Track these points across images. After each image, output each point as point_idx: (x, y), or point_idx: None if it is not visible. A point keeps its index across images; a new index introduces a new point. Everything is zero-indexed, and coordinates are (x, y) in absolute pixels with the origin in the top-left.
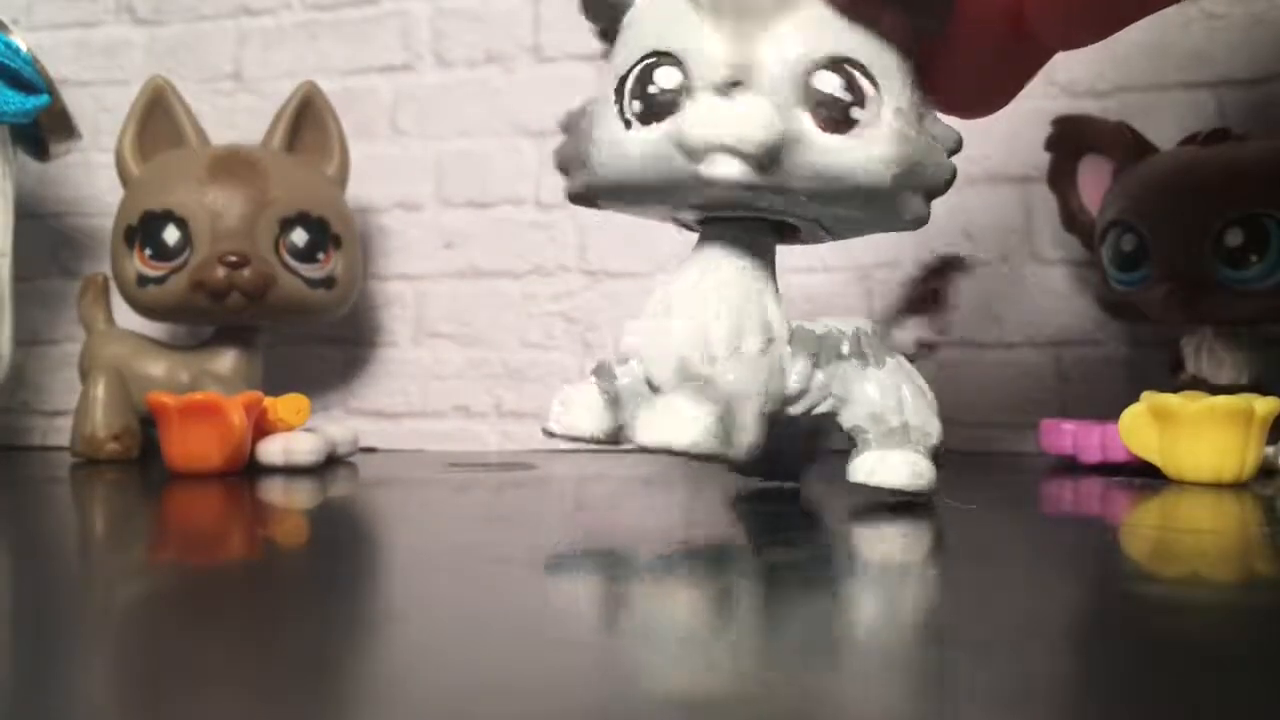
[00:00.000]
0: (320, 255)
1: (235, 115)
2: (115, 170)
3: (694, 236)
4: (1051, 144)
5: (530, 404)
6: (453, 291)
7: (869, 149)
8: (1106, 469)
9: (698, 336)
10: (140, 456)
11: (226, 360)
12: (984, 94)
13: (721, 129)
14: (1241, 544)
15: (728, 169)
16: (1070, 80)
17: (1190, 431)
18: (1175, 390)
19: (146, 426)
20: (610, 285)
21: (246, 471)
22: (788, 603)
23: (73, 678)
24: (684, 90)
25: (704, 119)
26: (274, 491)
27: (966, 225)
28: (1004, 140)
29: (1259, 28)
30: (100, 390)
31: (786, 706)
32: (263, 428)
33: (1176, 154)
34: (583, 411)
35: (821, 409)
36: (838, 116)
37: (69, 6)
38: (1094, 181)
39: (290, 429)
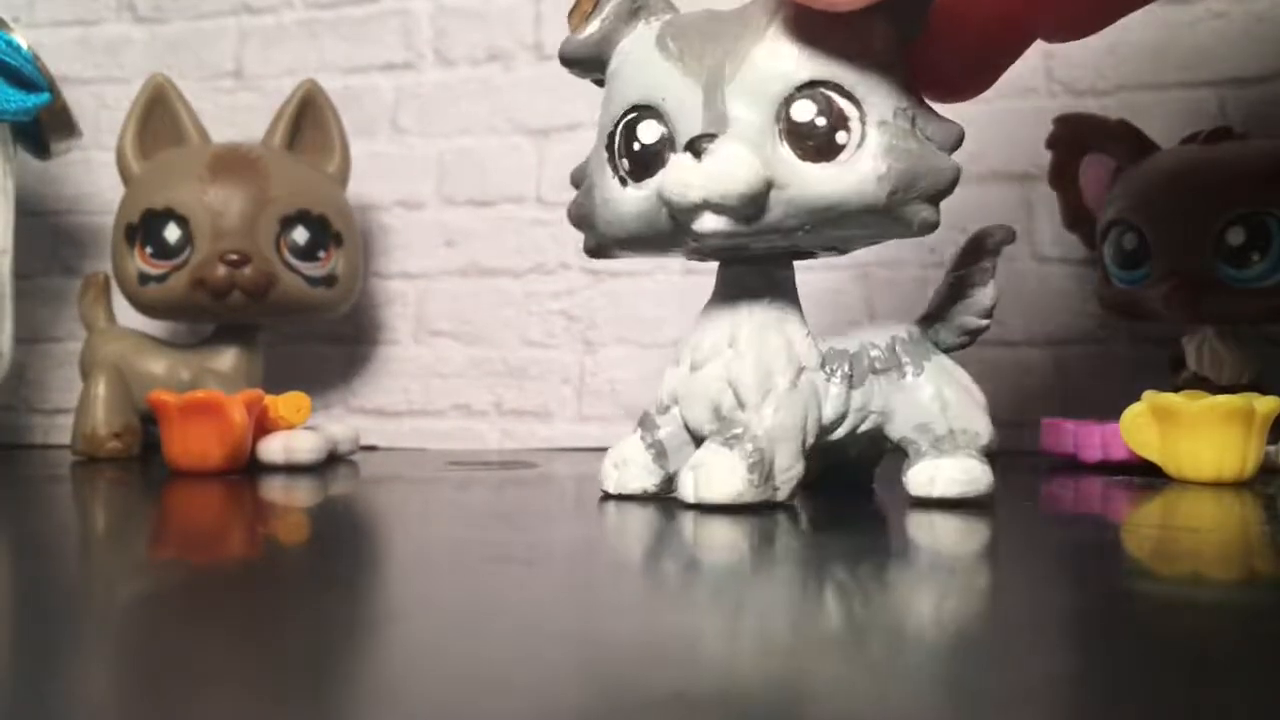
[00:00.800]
0: (321, 253)
1: (236, 113)
2: (116, 168)
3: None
4: (1053, 142)
5: (531, 402)
6: (454, 289)
7: (858, 171)
8: (1107, 468)
9: (726, 382)
10: (141, 454)
11: (227, 358)
12: (969, 79)
13: (697, 189)
14: (1242, 543)
15: (714, 224)
16: (1072, 78)
17: (1191, 430)
18: (1176, 389)
19: (147, 424)
20: (611, 284)
21: (247, 470)
22: (785, 599)
23: (73, 676)
24: (666, 143)
25: (680, 179)
26: (275, 490)
27: (967, 223)
28: (1005, 138)
29: (1260, 26)
30: (101, 388)
31: (782, 703)
32: (264, 426)
33: (1178, 152)
34: (634, 469)
35: (865, 427)
36: (820, 145)
37: (70, 4)
38: (1095, 180)
39: (291, 427)
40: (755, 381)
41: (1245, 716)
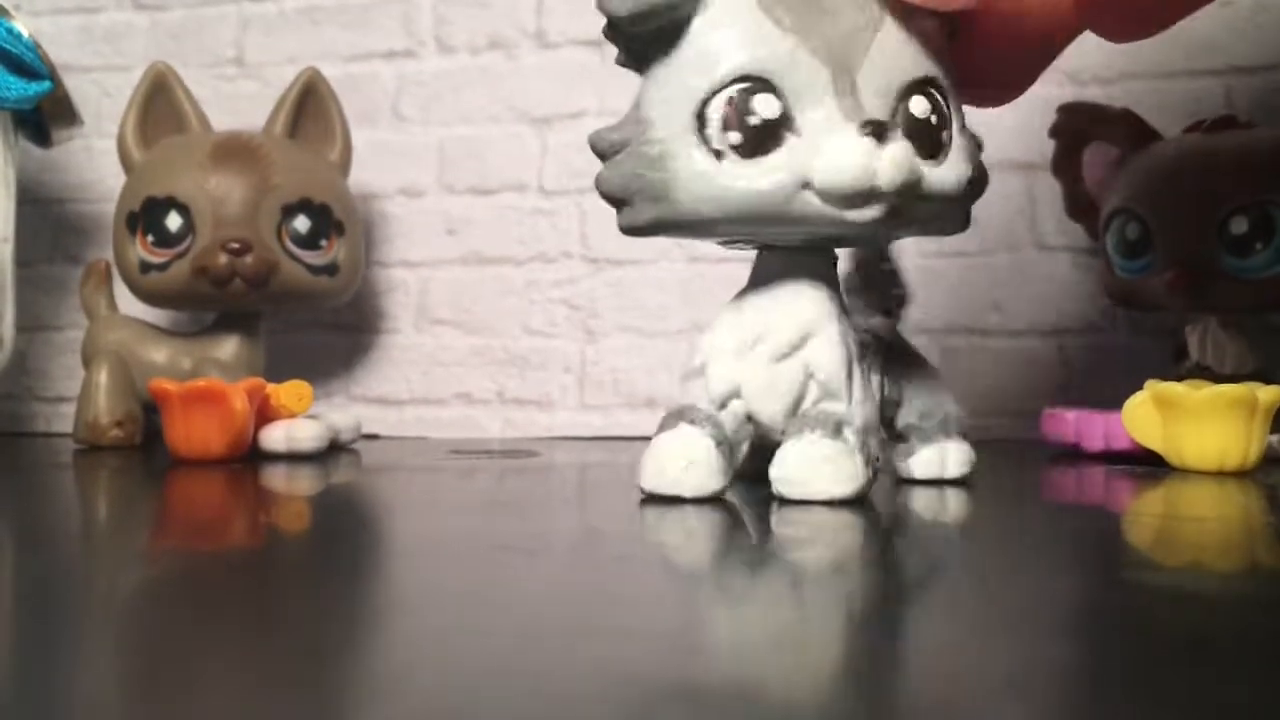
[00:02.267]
0: (322, 242)
1: (237, 101)
2: (117, 156)
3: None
4: (1056, 131)
5: (533, 391)
6: (455, 278)
7: (955, 171)
8: (1110, 457)
9: (807, 374)
10: (143, 443)
11: (229, 347)
12: (1011, 82)
13: (883, 176)
14: (1245, 533)
15: (870, 212)
16: (1076, 67)
17: (1194, 420)
18: (1179, 378)
19: (149, 413)
20: (613, 272)
21: (249, 458)
22: (785, 587)
23: (75, 664)
24: (785, 121)
25: (863, 164)
26: (276, 478)
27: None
28: (1008, 127)
29: (1265, 14)
30: (103, 377)
31: (783, 692)
32: (265, 414)
33: (1182, 141)
34: (705, 469)
35: (889, 414)
36: (931, 142)
37: None
38: (1098, 169)
39: (293, 416)
40: (840, 371)
41: (1247, 707)
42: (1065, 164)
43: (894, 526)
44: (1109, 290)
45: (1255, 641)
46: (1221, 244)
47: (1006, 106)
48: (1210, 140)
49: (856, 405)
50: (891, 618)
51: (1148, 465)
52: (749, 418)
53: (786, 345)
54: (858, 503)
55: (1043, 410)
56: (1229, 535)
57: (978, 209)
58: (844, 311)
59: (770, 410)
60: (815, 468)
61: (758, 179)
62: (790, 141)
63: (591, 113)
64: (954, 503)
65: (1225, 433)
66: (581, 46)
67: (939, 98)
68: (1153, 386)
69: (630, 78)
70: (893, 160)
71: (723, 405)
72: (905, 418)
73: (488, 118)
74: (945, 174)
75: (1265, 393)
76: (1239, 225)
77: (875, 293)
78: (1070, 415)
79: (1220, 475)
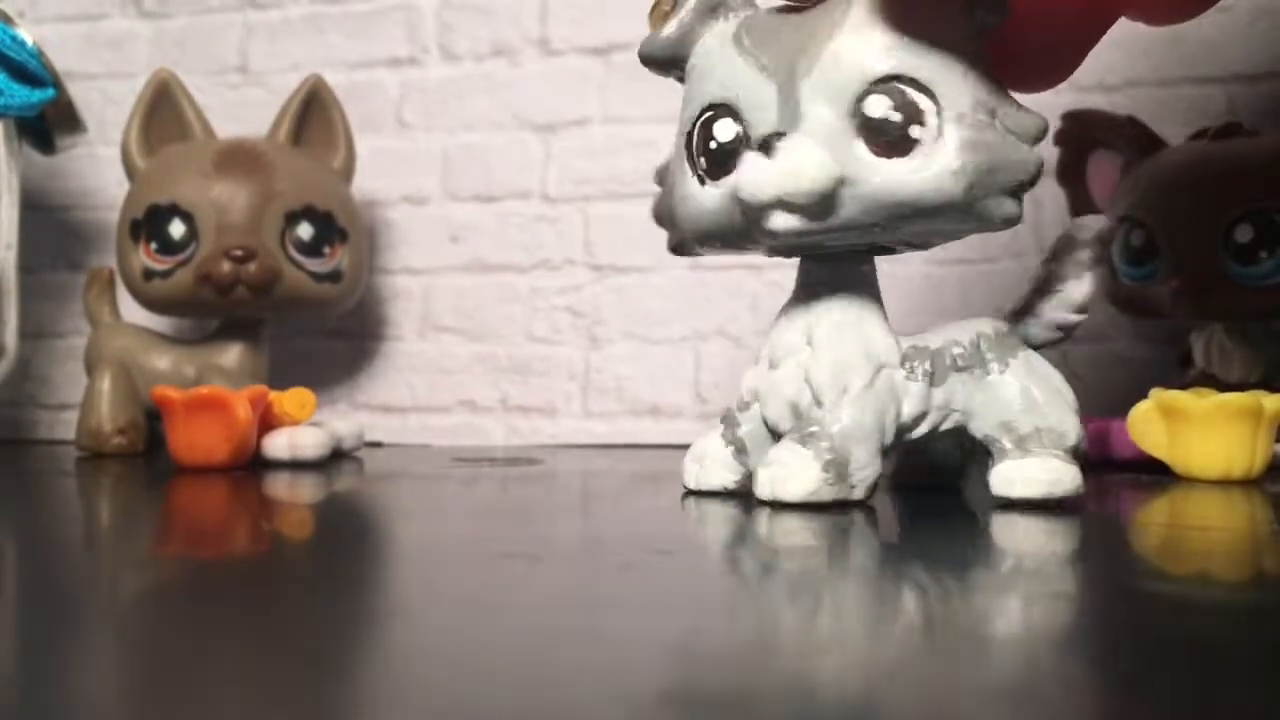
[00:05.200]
0: (326, 249)
1: (241, 108)
2: (121, 163)
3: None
4: (1060, 138)
5: (536, 398)
6: (459, 285)
7: (933, 167)
8: (1115, 465)
9: (803, 380)
10: (146, 450)
11: (232, 354)
12: (1053, 66)
13: (768, 188)
14: (1251, 542)
15: (786, 222)
16: (1080, 75)
17: (1199, 428)
18: (1184, 386)
19: (152, 420)
20: (616, 279)
21: (252, 466)
22: (784, 593)
23: (79, 669)
24: (741, 141)
25: (752, 178)
26: (279, 486)
27: None
28: None
29: (1267, 21)
30: (106, 384)
31: (785, 700)
32: (268, 422)
33: (1186, 149)
34: (715, 466)
35: (947, 426)
36: (895, 140)
37: None
38: (1103, 176)
39: (296, 423)
40: (831, 380)
41: (1254, 714)
42: (1070, 171)
43: (900, 533)
44: (1114, 298)
45: (1262, 649)
46: (1226, 251)
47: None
48: (1215, 147)
49: (843, 413)
50: (898, 625)
51: (1153, 474)
52: (766, 424)
53: (783, 353)
54: (868, 509)
55: None
56: (1235, 544)
57: None
58: (866, 319)
59: (773, 413)
60: (772, 470)
61: (715, 199)
62: (742, 161)
63: (595, 120)
64: (959, 510)
65: (1231, 441)
66: (585, 54)
67: (909, 93)
68: (1158, 394)
69: (636, 85)
70: (777, 171)
71: (745, 408)
72: (981, 429)
73: (491, 125)
74: (911, 170)
75: (1271, 401)
76: (1244, 233)
77: (1043, 309)
78: None
79: (1226, 484)
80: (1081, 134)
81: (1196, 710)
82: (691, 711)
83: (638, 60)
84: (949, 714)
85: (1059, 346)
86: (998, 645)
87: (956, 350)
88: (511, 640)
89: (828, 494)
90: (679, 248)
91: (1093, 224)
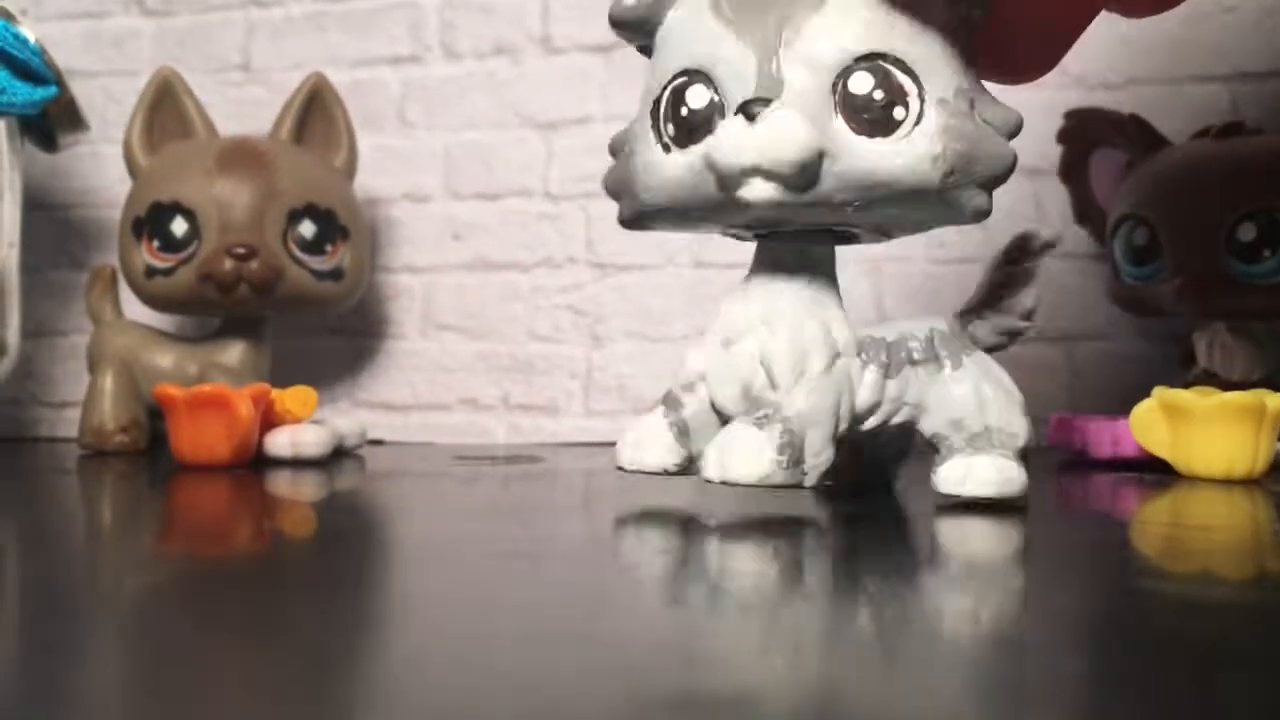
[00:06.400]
0: (328, 247)
1: (243, 106)
2: (123, 161)
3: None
4: (1063, 137)
5: (538, 397)
6: (460, 284)
7: (913, 149)
8: (1117, 465)
9: (759, 361)
10: (148, 448)
11: (234, 352)
12: (1036, 59)
13: (749, 153)
14: (1253, 541)
15: (763, 192)
16: (1083, 72)
17: (1202, 427)
18: (1187, 385)
19: (154, 418)
20: (619, 278)
21: (254, 464)
22: (786, 594)
23: (80, 667)
24: (715, 109)
25: (732, 143)
26: (281, 484)
27: None
28: None
29: (1272, 20)
30: (108, 382)
31: (789, 703)
32: (270, 420)
33: (1189, 148)
34: (654, 447)
35: (899, 419)
36: (876, 119)
37: None
38: (1106, 175)
39: (298, 421)
40: (790, 363)
41: (1256, 713)
42: (1072, 170)
43: (903, 533)
44: (1116, 296)
45: (1265, 649)
46: (1230, 250)
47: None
48: (1218, 146)
49: (799, 396)
50: (900, 625)
51: (1155, 473)
52: (713, 407)
53: (738, 332)
54: (870, 507)
55: (1050, 417)
56: (1237, 544)
57: None
58: (824, 303)
59: (723, 395)
60: (723, 450)
61: (681, 167)
62: (715, 130)
63: (597, 118)
64: (962, 509)
65: (1233, 440)
66: (587, 52)
67: (893, 73)
68: (1160, 393)
69: (638, 83)
70: (759, 137)
71: (688, 389)
72: (931, 425)
73: (493, 123)
74: (892, 150)
75: (1274, 400)
76: (1247, 232)
77: (991, 314)
78: (1077, 422)
79: (1228, 483)
80: (1084, 132)
81: (1198, 710)
82: (693, 712)
83: (636, 52)
84: (949, 713)
85: (1061, 346)
86: (998, 645)
87: (912, 344)
88: (512, 640)
89: (780, 478)
90: (633, 220)
91: (1041, 233)
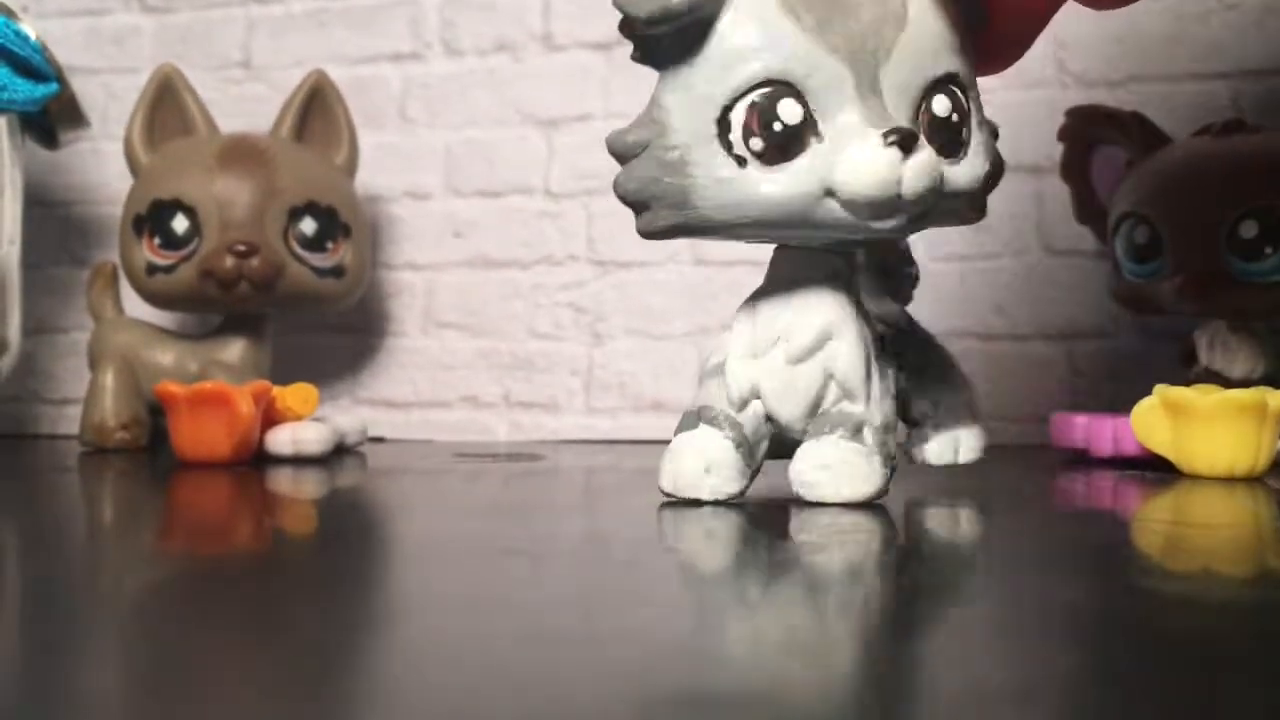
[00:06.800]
0: (329, 244)
1: (244, 103)
2: (124, 158)
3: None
4: (1064, 134)
5: (539, 394)
6: (461, 281)
7: (973, 170)
8: (1119, 463)
9: (826, 375)
10: (149, 445)
11: (235, 349)
12: (1002, 53)
13: (892, 185)
14: (1255, 539)
15: (895, 221)
16: (1084, 70)
17: (1204, 425)
18: (1188, 383)
19: (155, 415)
20: (620, 275)
21: (255, 461)
22: (798, 592)
23: (81, 665)
24: (809, 125)
25: (882, 175)
26: (282, 481)
27: None
28: (1016, 130)
29: (1273, 17)
30: (109, 379)
31: (792, 702)
32: (271, 417)
33: (1190, 145)
34: (727, 471)
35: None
36: (950, 141)
37: None
38: (1107, 172)
39: (299, 419)
40: (864, 373)
41: (1257, 713)
42: (1073, 167)
43: (906, 532)
44: (1117, 294)
45: (1266, 647)
46: (1231, 248)
47: (1013, 109)
48: (1219, 144)
49: (875, 405)
50: (903, 625)
51: (1157, 471)
52: (768, 418)
53: (805, 347)
54: (873, 506)
55: (1051, 415)
56: (1239, 542)
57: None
58: (862, 310)
59: (789, 411)
60: (834, 470)
61: (780, 186)
62: (814, 147)
63: (598, 115)
64: (965, 508)
65: (1235, 438)
66: (588, 49)
67: (960, 94)
68: (1162, 391)
69: (639, 80)
70: (917, 171)
71: (742, 406)
72: (919, 405)
73: (494, 120)
74: (964, 172)
75: (1275, 398)
76: (1249, 229)
77: (887, 276)
78: (1079, 420)
79: (1230, 481)
80: (1085, 130)
81: (1198, 709)
82: (695, 712)
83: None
84: (948, 713)
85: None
86: (997, 645)
87: (883, 330)
88: (513, 639)
89: (884, 489)
90: (671, 231)
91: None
